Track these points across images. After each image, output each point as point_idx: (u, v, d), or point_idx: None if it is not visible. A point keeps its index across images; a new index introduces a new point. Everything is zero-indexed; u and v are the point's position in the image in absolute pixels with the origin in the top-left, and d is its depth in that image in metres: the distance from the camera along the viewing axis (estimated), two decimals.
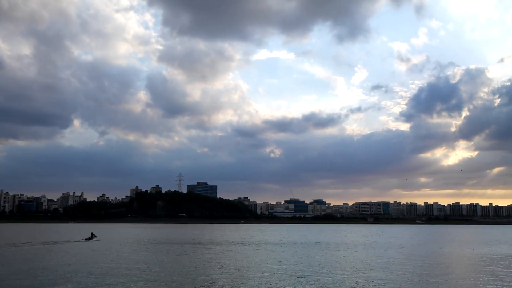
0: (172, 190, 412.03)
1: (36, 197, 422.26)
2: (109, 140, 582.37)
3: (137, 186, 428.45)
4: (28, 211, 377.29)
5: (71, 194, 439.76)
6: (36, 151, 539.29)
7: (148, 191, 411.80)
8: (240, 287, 30.78)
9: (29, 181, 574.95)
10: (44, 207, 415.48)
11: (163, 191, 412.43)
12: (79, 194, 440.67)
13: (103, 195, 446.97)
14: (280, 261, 50.47)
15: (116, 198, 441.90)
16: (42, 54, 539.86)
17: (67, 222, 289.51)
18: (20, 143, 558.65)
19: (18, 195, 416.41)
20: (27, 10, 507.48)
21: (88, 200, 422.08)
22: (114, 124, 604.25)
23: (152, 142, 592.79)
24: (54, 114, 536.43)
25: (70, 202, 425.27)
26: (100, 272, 38.66)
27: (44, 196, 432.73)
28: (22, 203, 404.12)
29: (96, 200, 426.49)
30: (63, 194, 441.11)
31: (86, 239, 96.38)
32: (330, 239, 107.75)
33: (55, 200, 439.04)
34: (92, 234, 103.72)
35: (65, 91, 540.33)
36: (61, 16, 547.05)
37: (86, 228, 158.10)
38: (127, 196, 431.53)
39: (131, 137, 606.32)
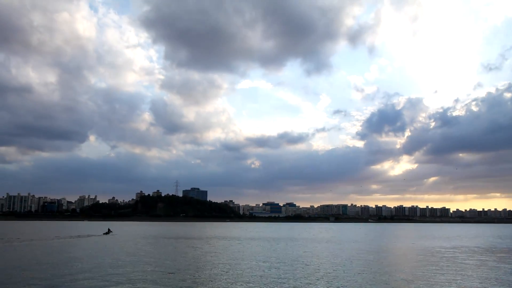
0: (170, 194, 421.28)
1: (57, 199, 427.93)
2: (118, 152, 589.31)
3: (141, 191, 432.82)
4: (51, 210, 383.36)
5: (86, 197, 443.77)
6: (58, 161, 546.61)
7: (150, 195, 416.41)
8: (228, 272, 31.71)
9: (52, 186, 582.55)
10: (63, 207, 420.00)
11: (163, 195, 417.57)
12: (93, 197, 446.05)
13: (113, 198, 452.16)
14: (259, 252, 53.05)
15: (123, 200, 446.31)
16: (64, 81, 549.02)
17: (83, 220, 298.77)
18: (45, 154, 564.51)
19: (42, 197, 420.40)
20: (53, 46, 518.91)
21: (100, 202, 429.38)
22: (123, 140, 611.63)
23: (154, 155, 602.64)
24: (73, 131, 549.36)
25: (86, 203, 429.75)
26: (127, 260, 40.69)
27: (64, 198, 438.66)
28: (45, 204, 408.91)
29: (107, 202, 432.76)
30: (80, 196, 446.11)
31: (104, 234, 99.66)
32: (300, 235, 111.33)
33: (73, 201, 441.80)
34: (109, 229, 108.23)
35: (83, 112, 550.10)
36: (81, 51, 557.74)
37: (100, 225, 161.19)
38: (133, 199, 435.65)
39: (137, 150, 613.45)
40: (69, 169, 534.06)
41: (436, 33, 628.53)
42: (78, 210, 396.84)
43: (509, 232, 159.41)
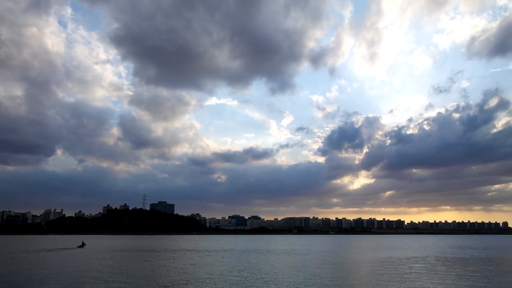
0: (138, 207, 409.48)
1: (22, 213, 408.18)
2: (86, 166, 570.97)
3: (108, 204, 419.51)
4: (15, 224, 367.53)
5: (52, 210, 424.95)
6: (24, 175, 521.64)
7: (118, 208, 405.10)
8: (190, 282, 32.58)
9: (17, 200, 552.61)
10: (29, 221, 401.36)
11: (130, 208, 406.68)
12: (59, 211, 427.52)
13: (80, 211, 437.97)
14: (224, 264, 52.72)
15: (90, 214, 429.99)
16: (31, 95, 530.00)
17: (48, 234, 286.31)
18: (10, 168, 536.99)
19: (6, 211, 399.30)
20: (21, 60, 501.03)
21: (67, 215, 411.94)
22: (90, 154, 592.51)
23: (122, 169, 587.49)
24: (40, 145, 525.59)
25: (52, 217, 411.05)
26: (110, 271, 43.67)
27: (29, 212, 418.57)
28: (9, 218, 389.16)
29: (73, 216, 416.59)
30: (45, 210, 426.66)
31: (78, 247, 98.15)
32: (264, 247, 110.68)
33: (39, 215, 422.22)
34: (83, 242, 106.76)
35: (50, 126, 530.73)
36: (49, 66, 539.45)
37: (70, 239, 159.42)
38: (100, 212, 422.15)
39: (105, 164, 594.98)
40: (34, 182, 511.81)
41: (391, 57, 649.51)
42: (43, 224, 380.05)
43: (458, 242, 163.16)
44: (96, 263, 53.89)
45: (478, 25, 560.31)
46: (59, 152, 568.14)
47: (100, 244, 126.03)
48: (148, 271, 43.70)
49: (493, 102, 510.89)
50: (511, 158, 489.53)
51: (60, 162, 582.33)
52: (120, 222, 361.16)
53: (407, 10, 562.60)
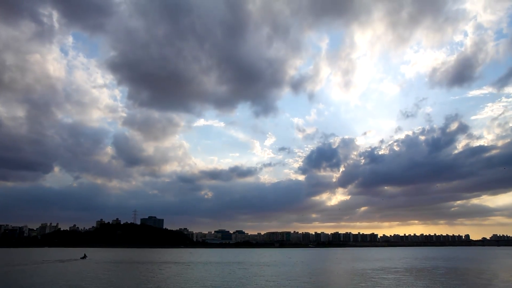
0: (129, 222, 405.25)
1: (19, 226, 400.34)
2: (81, 183, 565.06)
3: (101, 219, 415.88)
4: (11, 238, 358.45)
5: (48, 224, 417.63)
6: (22, 190, 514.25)
7: (110, 223, 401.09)
8: None
9: (14, 214, 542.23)
10: (25, 234, 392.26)
11: (122, 222, 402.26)
12: (55, 224, 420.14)
13: (74, 225, 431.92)
14: (209, 275, 55.82)
15: (84, 227, 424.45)
16: (32, 116, 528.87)
17: (44, 247, 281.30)
18: (9, 184, 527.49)
19: (4, 225, 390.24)
20: (24, 84, 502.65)
21: (62, 229, 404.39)
22: (86, 171, 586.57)
23: (115, 185, 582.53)
24: (39, 162, 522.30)
25: (47, 231, 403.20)
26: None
27: (26, 226, 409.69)
28: (6, 231, 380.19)
29: (68, 229, 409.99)
30: (41, 224, 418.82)
31: (81, 258, 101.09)
32: (249, 259, 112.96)
33: (35, 229, 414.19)
34: (85, 254, 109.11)
35: (49, 145, 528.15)
36: (50, 89, 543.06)
37: (66, 251, 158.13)
38: (93, 226, 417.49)
39: (99, 181, 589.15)
40: (32, 198, 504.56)
41: (364, 85, 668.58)
42: (39, 237, 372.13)
43: (425, 253, 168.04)
44: (105, 273, 57.01)
45: (439, 58, 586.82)
46: (56, 169, 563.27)
47: (98, 256, 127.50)
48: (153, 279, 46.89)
49: (454, 126, 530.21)
50: (470, 176, 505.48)
51: (57, 178, 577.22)
52: (112, 235, 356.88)
53: (376, 44, 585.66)
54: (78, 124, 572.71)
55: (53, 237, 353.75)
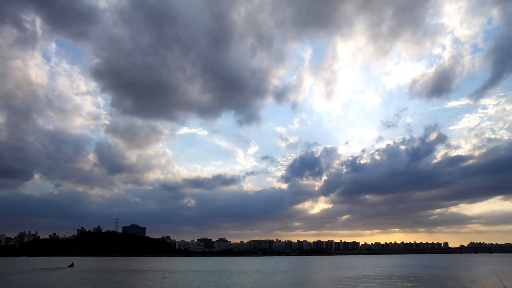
0: (111, 230, 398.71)
1: None
2: (62, 190, 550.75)
3: (82, 227, 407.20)
4: None
5: (27, 233, 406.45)
6: (0, 198, 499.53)
7: (91, 231, 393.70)
8: None
9: None
10: (2, 243, 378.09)
11: (103, 231, 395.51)
12: (34, 233, 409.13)
13: (54, 233, 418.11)
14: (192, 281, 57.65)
15: (65, 236, 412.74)
16: (13, 123, 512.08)
17: (21, 256, 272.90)
18: None
19: None
20: (4, 90, 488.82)
21: (41, 237, 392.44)
22: (67, 178, 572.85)
23: (97, 193, 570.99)
24: (18, 169, 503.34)
25: (26, 239, 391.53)
26: None
27: (3, 235, 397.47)
28: None
29: (48, 238, 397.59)
30: (20, 233, 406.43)
31: (68, 266, 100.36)
32: (231, 268, 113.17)
33: (13, 238, 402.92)
34: (72, 263, 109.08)
35: (29, 152, 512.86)
36: (32, 96, 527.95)
37: (50, 260, 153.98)
38: (73, 234, 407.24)
39: (80, 188, 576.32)
40: (10, 206, 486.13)
41: (346, 95, 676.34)
42: (17, 246, 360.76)
43: (406, 261, 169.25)
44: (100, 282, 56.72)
45: (418, 70, 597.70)
46: (36, 176, 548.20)
47: (84, 265, 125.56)
48: None
49: (433, 136, 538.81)
50: (449, 185, 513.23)
51: (37, 186, 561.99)
52: (93, 244, 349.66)
53: (358, 55, 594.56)
54: (60, 131, 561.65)
55: (32, 246, 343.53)
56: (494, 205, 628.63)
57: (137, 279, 66.80)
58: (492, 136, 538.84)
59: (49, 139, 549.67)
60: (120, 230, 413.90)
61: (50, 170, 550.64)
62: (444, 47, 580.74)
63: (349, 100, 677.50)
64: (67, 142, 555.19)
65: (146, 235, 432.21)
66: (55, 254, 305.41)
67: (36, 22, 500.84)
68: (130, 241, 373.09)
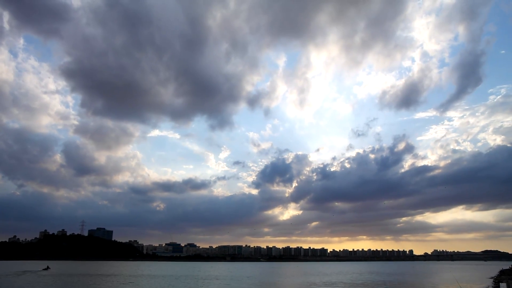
0: (76, 233, 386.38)
1: None
2: (25, 191, 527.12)
3: (45, 230, 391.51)
4: None
5: None
6: None
7: (55, 234, 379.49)
8: None
9: None
10: None
11: (68, 234, 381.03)
12: None
13: (15, 236, 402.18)
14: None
15: (26, 239, 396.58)
16: None
17: None
18: None
19: None
20: None
21: (0, 240, 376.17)
22: (31, 179, 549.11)
23: (63, 195, 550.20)
24: None
25: None
26: None
27: None
28: None
29: (7, 241, 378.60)
30: None
31: (44, 269, 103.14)
32: (198, 273, 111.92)
33: None
34: (48, 266, 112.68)
35: None
36: None
37: (12, 264, 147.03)
38: (36, 237, 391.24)
39: (45, 189, 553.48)
40: None
41: (318, 103, 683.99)
42: None
43: (372, 268, 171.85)
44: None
45: (388, 82, 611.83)
46: None
47: (58, 268, 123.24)
48: None
49: (401, 146, 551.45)
50: (415, 194, 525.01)
51: None
52: (57, 247, 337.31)
53: (331, 64, 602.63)
54: (25, 130, 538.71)
55: None
56: (457, 214, 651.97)
57: (115, 284, 64.35)
58: (457, 148, 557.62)
59: (14, 138, 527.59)
60: (86, 233, 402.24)
61: (12, 170, 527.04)
62: (413, 60, 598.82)
63: (321, 108, 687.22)
64: (32, 141, 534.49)
65: (113, 239, 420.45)
66: (16, 258, 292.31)
67: (3, 17, 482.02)
68: (96, 244, 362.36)
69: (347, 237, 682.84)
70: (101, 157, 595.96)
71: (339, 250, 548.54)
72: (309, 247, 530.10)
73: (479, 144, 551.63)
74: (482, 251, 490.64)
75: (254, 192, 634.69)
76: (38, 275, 79.67)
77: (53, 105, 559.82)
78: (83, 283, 64.70)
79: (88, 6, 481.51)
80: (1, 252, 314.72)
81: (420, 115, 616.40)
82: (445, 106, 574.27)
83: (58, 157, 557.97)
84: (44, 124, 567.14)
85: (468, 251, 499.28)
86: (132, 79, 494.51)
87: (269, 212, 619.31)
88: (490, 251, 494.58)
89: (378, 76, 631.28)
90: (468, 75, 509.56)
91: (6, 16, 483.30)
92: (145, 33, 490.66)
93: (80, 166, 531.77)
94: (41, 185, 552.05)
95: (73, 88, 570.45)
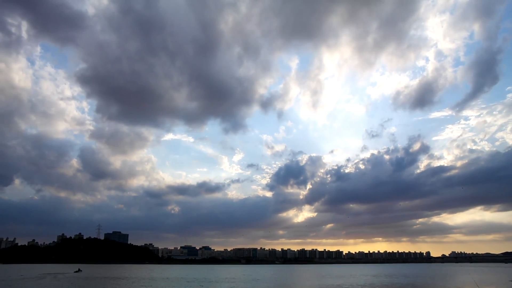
0: (92, 237, 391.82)
1: None
2: (43, 196, 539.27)
3: (63, 233, 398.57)
4: None
5: (4, 239, 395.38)
6: None
7: (72, 238, 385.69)
8: None
9: None
10: None
11: (85, 237, 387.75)
12: (12, 239, 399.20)
13: (34, 240, 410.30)
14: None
15: (44, 243, 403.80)
16: None
17: None
18: None
19: None
20: None
21: (19, 244, 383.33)
22: (49, 184, 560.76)
23: (79, 199, 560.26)
24: None
25: (3, 246, 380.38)
26: None
27: None
28: None
29: (26, 245, 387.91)
30: None
31: (75, 272, 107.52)
32: (214, 276, 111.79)
33: None
34: (79, 268, 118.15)
35: (10, 156, 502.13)
36: (14, 100, 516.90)
37: (20, 268, 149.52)
38: (54, 241, 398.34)
39: (62, 194, 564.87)
40: None
41: (331, 105, 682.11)
42: None
43: (388, 270, 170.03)
44: None
45: (402, 82, 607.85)
46: (17, 181, 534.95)
47: (91, 271, 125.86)
48: None
49: (416, 146, 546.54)
50: (431, 195, 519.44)
51: (17, 191, 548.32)
52: (74, 251, 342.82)
53: (344, 66, 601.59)
54: (43, 136, 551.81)
55: (9, 253, 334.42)
56: (475, 215, 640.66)
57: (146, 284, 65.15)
58: (474, 147, 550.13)
59: (32, 144, 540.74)
60: (102, 237, 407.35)
61: (31, 175, 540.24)
62: (427, 60, 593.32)
63: (334, 110, 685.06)
64: (50, 147, 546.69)
65: (129, 242, 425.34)
66: (34, 261, 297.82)
67: (22, 26, 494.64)
68: (112, 248, 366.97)
69: (362, 239, 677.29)
70: (116, 161, 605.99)
71: (355, 252, 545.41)
72: (324, 250, 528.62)
73: (497, 143, 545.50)
74: (502, 253, 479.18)
75: (268, 194, 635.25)
76: (73, 276, 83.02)
77: (69, 111, 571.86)
78: (118, 284, 66.05)
79: (102, 13, 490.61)
80: (22, 255, 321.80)
81: (435, 114, 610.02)
82: (461, 105, 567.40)
83: (75, 162, 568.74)
84: (60, 129, 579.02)
85: (487, 253, 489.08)
86: (146, 84, 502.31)
87: (284, 214, 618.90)
88: (511, 252, 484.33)
89: (391, 77, 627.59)
90: (485, 73, 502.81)
91: (24, 25, 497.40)
92: (158, 39, 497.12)
93: (96, 171, 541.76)
94: (58, 190, 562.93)
95: (88, 94, 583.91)
